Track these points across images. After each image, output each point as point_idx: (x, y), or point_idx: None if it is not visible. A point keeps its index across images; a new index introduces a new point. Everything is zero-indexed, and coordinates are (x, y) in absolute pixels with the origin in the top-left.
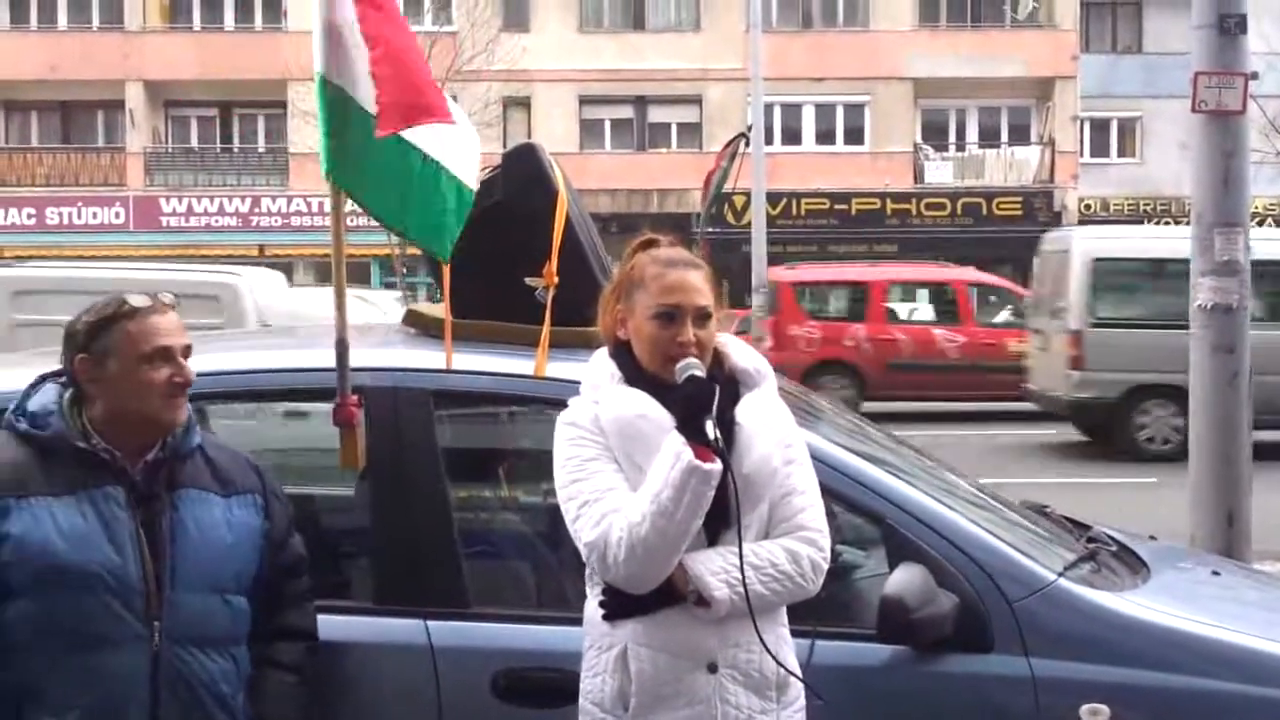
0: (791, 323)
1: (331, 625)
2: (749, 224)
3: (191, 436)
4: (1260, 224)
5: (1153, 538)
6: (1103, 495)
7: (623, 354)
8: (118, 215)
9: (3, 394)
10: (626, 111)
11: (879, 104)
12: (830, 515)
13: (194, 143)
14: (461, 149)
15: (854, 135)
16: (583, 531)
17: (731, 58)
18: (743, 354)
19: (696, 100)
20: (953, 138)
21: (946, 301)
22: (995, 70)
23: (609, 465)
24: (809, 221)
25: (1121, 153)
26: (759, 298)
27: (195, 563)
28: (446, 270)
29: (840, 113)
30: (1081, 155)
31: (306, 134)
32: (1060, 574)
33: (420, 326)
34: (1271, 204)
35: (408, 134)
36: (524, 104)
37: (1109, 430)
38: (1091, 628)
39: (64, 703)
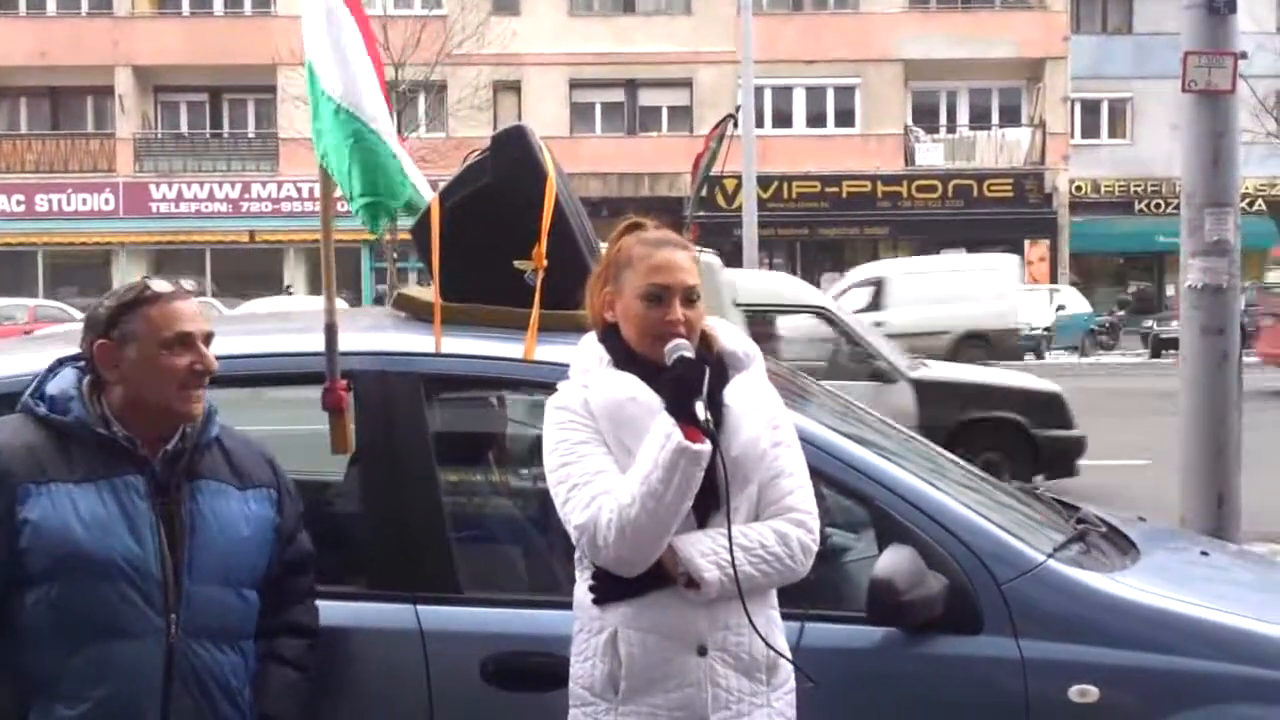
0: None
1: (321, 610)
2: (740, 208)
3: (211, 427)
4: (1251, 205)
5: (1142, 519)
6: (1094, 476)
7: (611, 337)
8: (107, 201)
9: (6, 379)
10: (617, 95)
11: (869, 86)
12: (820, 498)
13: (184, 128)
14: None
15: (845, 118)
16: (572, 514)
17: (722, 40)
18: (731, 337)
19: (687, 83)
20: (943, 120)
21: None
22: (986, 52)
23: (599, 448)
24: (800, 204)
25: (1112, 134)
26: None
27: (212, 555)
28: (435, 254)
29: (831, 95)
30: (1072, 137)
31: (296, 119)
32: (1049, 555)
33: (410, 310)
34: (1263, 184)
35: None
36: (514, 88)
37: None
38: (1080, 609)
39: (77, 693)
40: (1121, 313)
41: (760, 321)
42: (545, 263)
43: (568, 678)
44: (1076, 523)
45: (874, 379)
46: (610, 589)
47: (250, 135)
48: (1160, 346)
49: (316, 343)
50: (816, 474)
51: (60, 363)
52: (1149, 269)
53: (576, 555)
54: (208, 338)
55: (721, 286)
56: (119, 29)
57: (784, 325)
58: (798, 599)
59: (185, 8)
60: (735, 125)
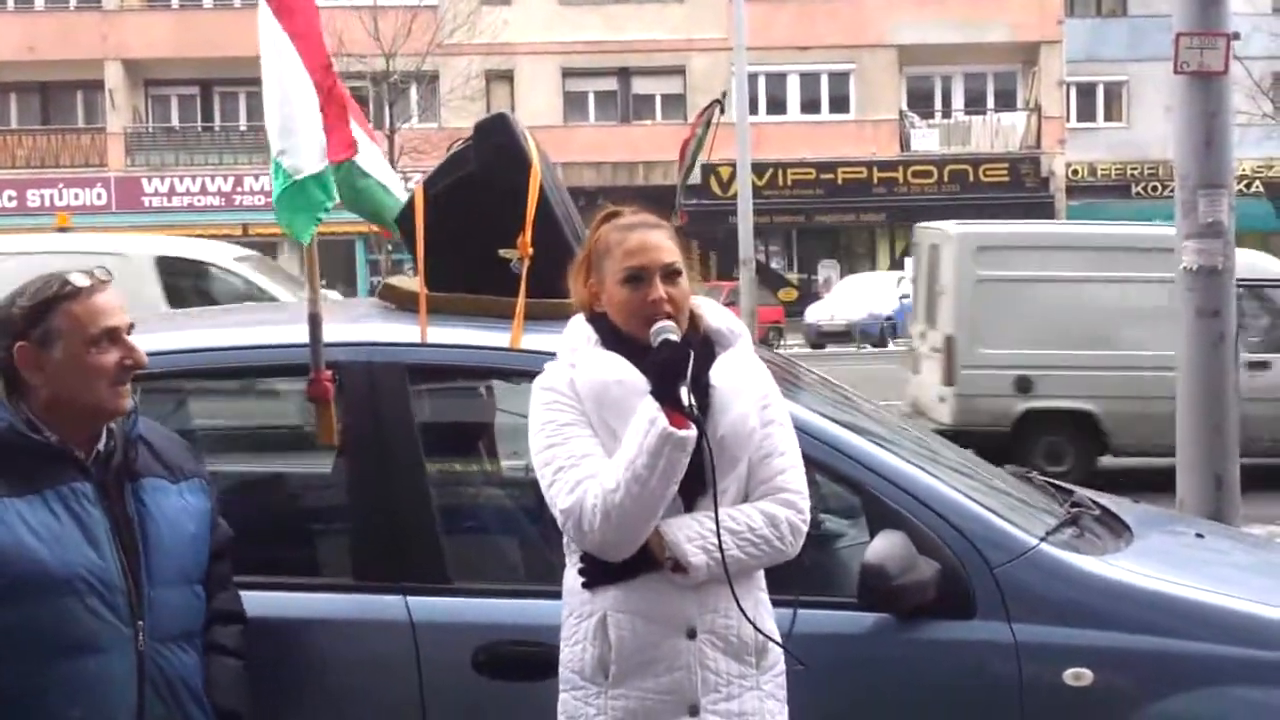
0: None
1: (312, 602)
2: (735, 195)
3: (136, 422)
4: (1248, 187)
5: (1137, 501)
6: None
7: (599, 320)
8: (99, 196)
9: None
10: (610, 84)
11: (864, 72)
12: (813, 484)
13: (175, 122)
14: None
15: (839, 104)
16: (558, 498)
17: (715, 27)
18: (717, 314)
19: (680, 71)
20: (938, 105)
21: None
22: (980, 36)
23: (584, 431)
24: (795, 191)
25: (1108, 117)
26: (746, 270)
27: (168, 556)
28: (420, 243)
29: (825, 81)
30: (1068, 120)
31: None
32: (1042, 539)
33: (396, 300)
34: (1259, 166)
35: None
36: (507, 77)
37: None
38: (1074, 592)
39: (54, 714)
40: None
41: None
42: (530, 251)
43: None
44: (1071, 506)
45: None
46: (599, 573)
47: (242, 128)
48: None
49: (301, 334)
50: (808, 460)
51: None
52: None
53: (565, 540)
54: (130, 328)
55: None
56: (108, 22)
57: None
58: (791, 584)
59: (174, 1)
60: (721, 112)
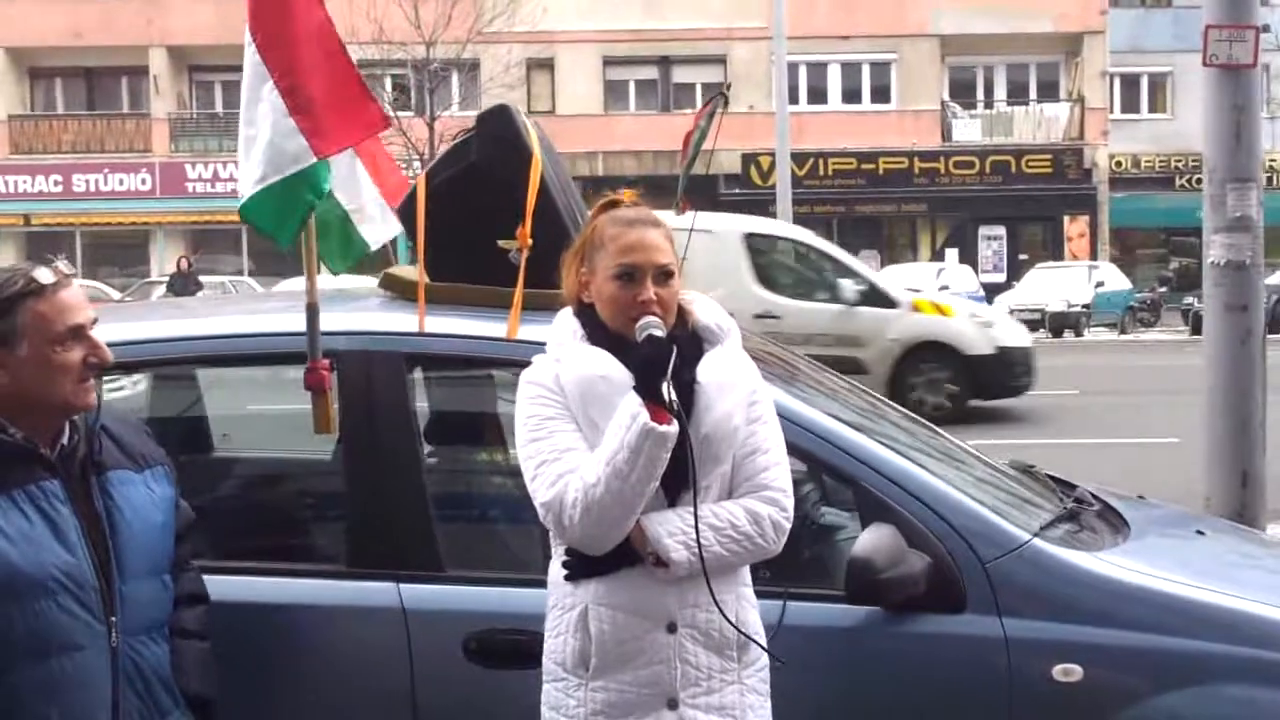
0: None
1: (305, 588)
2: (774, 185)
3: (98, 413)
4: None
5: (1141, 498)
6: (1122, 455)
7: (587, 312)
8: (144, 181)
9: None
10: (651, 72)
11: (905, 62)
12: (815, 478)
13: (219, 108)
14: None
15: (880, 94)
16: (539, 491)
17: (755, 16)
18: (706, 310)
19: (721, 60)
20: (980, 95)
21: None
22: (1023, 26)
23: (568, 425)
24: (836, 181)
25: (1152, 109)
26: None
27: (137, 550)
28: (421, 232)
29: (866, 71)
30: (1111, 111)
31: None
32: (1035, 534)
33: (396, 290)
34: None
35: None
36: (547, 66)
37: None
38: (1065, 588)
39: (32, 714)
40: (1163, 289)
41: None
42: (530, 242)
43: None
44: (1075, 502)
45: None
46: (582, 565)
47: None
48: (1201, 324)
49: (300, 322)
50: (799, 451)
51: None
52: (1191, 245)
53: (551, 533)
54: (94, 323)
55: None
56: (153, 8)
57: None
58: (781, 577)
59: None
60: (725, 104)
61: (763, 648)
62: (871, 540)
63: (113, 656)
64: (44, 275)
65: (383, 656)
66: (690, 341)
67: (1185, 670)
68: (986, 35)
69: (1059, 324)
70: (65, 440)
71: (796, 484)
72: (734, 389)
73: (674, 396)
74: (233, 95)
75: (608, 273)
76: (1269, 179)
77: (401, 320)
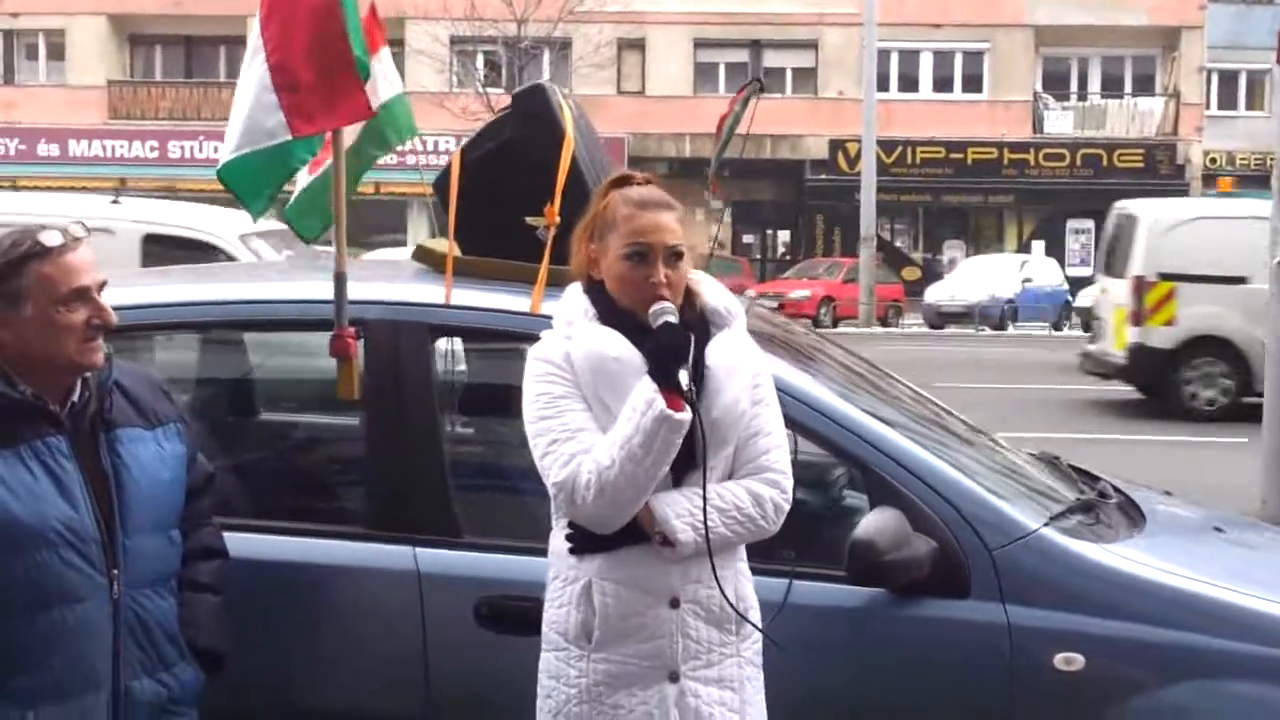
0: None
1: (323, 549)
2: (860, 172)
3: (111, 370)
4: None
5: (1168, 493)
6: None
7: (596, 290)
8: None
9: None
10: (741, 55)
11: (998, 51)
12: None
13: None
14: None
15: (972, 83)
16: (551, 470)
17: (848, 2)
18: (713, 292)
19: (812, 45)
20: (1074, 87)
21: None
22: (1119, 19)
23: (578, 404)
24: (924, 170)
25: (1250, 106)
26: (866, 248)
27: (142, 506)
28: (453, 206)
29: (958, 60)
30: (1207, 108)
31: (419, 74)
32: (1044, 523)
33: (429, 262)
34: None
35: None
36: (638, 46)
37: None
38: (1071, 577)
39: (35, 663)
40: None
41: None
42: (558, 219)
43: None
44: (1098, 495)
45: None
46: (586, 541)
47: None
48: None
49: (327, 290)
50: (806, 431)
51: None
52: None
53: (553, 505)
54: (102, 286)
55: None
56: None
57: None
58: (800, 557)
59: None
60: (760, 91)
61: (757, 627)
62: (875, 522)
63: (114, 609)
64: (50, 238)
65: (397, 618)
66: (699, 325)
67: (1189, 664)
68: (1082, 26)
69: None
70: (76, 397)
71: (823, 467)
72: (741, 373)
73: (691, 385)
74: None
75: (619, 252)
76: None
77: (429, 292)
